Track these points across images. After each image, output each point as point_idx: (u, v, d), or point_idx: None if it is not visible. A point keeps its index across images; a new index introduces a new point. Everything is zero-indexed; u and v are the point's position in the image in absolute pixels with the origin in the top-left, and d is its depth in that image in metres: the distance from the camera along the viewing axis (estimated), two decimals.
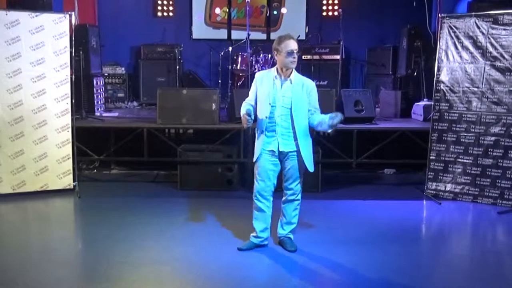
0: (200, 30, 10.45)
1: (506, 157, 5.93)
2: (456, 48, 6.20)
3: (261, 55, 8.99)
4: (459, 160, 6.22)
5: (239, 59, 8.94)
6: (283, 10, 10.44)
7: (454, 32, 6.19)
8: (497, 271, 4.41)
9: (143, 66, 9.54)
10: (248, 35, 8.38)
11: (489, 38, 5.99)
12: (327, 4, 10.43)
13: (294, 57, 4.29)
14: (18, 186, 6.17)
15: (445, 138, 6.30)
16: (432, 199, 6.21)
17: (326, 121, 4.21)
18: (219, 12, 10.39)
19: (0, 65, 5.97)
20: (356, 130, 6.68)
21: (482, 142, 6.07)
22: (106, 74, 9.20)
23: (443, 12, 6.85)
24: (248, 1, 8.34)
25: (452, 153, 6.26)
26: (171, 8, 10.37)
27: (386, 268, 4.29)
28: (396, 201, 6.26)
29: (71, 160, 6.35)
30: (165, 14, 10.39)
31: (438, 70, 6.34)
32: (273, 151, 4.39)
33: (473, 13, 6.24)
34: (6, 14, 5.98)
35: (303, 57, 9.20)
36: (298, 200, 4.53)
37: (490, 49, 5.98)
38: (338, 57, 8.95)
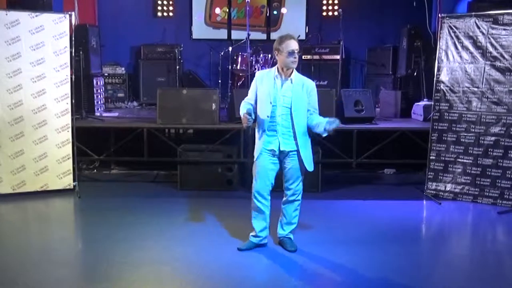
0: (200, 30, 10.45)
1: (506, 157, 5.93)
2: (456, 48, 6.20)
3: (261, 55, 8.99)
4: (459, 160, 6.22)
5: (239, 59, 8.95)
6: (283, 10, 10.44)
7: (454, 32, 6.19)
8: (497, 271, 4.41)
9: (143, 66, 9.54)
10: (248, 35, 8.38)
11: (489, 38, 5.99)
12: (327, 4, 10.42)
13: (295, 57, 4.30)
14: (18, 186, 6.17)
15: (445, 138, 6.30)
16: (432, 199, 6.21)
17: (323, 124, 4.24)
18: (219, 12, 10.39)
19: (0, 65, 5.97)
20: (356, 130, 6.68)
21: (482, 142, 6.07)
22: (106, 74, 9.20)
23: (443, 12, 6.85)
24: (248, 1, 8.34)
25: (452, 153, 6.26)
26: (171, 8, 10.37)
27: (386, 268, 4.29)
28: (396, 201, 6.26)
29: (71, 160, 6.35)
30: (165, 14, 10.39)
31: (438, 70, 6.34)
32: (273, 150, 4.40)
33: (473, 13, 6.24)
34: (6, 14, 5.98)
35: (303, 57, 9.21)
36: (298, 200, 4.53)
37: (490, 49, 5.98)
38: (338, 57, 8.95)
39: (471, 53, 6.11)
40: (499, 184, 5.98)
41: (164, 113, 6.70)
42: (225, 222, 5.29)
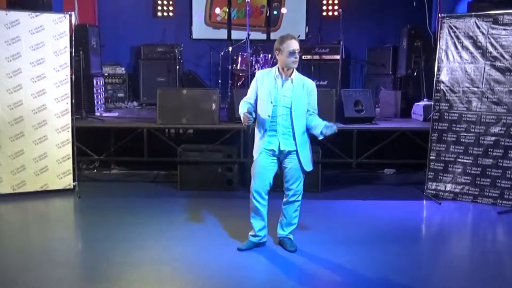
0: (200, 30, 10.46)
1: (506, 157, 5.93)
2: (456, 48, 6.20)
3: (261, 55, 8.99)
4: (459, 160, 6.22)
5: (239, 59, 8.95)
6: (283, 10, 10.44)
7: (454, 32, 6.19)
8: (497, 271, 4.41)
9: (143, 66, 9.54)
10: (248, 35, 8.38)
11: (489, 38, 5.99)
12: (327, 4, 10.43)
13: (295, 57, 4.30)
14: (18, 186, 6.17)
15: (445, 138, 6.30)
16: (432, 199, 6.21)
17: (321, 127, 4.26)
18: (219, 12, 10.39)
19: (0, 65, 5.97)
20: (356, 130, 6.68)
21: (482, 142, 6.07)
22: (106, 74, 9.21)
23: (443, 12, 6.85)
24: (248, 1, 8.34)
25: (452, 153, 6.26)
26: (171, 8, 10.38)
27: (386, 268, 4.29)
28: (396, 201, 6.26)
29: (71, 160, 6.35)
30: (165, 14, 10.39)
31: (438, 70, 6.34)
32: (273, 150, 4.40)
33: (473, 13, 6.24)
34: (6, 14, 5.98)
35: (303, 57, 9.20)
36: (298, 201, 4.54)
37: (490, 49, 5.98)
38: (338, 57, 8.95)
39: (471, 53, 6.11)
40: (499, 184, 5.98)
41: (164, 113, 6.70)
42: (225, 222, 5.29)
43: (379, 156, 6.91)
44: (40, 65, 6.13)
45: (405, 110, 7.83)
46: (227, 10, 10.35)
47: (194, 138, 7.59)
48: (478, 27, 6.04)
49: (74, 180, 6.37)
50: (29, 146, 6.16)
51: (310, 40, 9.87)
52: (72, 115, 6.35)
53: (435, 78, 6.38)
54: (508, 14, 5.88)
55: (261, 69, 8.57)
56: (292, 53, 4.27)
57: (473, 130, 6.13)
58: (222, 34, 10.41)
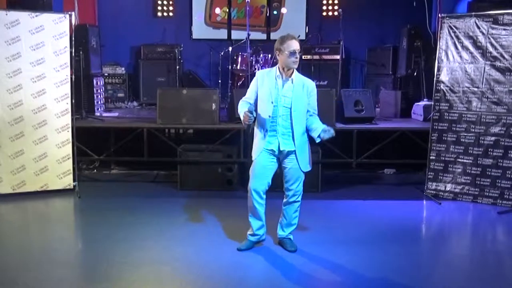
0: (200, 30, 10.46)
1: (506, 157, 5.93)
2: (456, 48, 6.20)
3: (261, 55, 8.99)
4: (459, 160, 6.22)
5: (239, 59, 8.95)
6: (283, 10, 10.44)
7: (454, 32, 6.19)
8: (497, 271, 4.41)
9: (143, 66, 9.54)
10: (248, 35, 8.38)
11: (489, 38, 5.99)
12: (327, 4, 10.43)
13: (296, 57, 4.30)
14: (18, 186, 6.17)
15: (445, 138, 6.30)
16: (432, 199, 6.21)
17: (318, 130, 4.27)
18: (219, 12, 10.39)
19: (0, 65, 5.97)
20: (356, 130, 6.68)
21: (482, 142, 6.07)
22: (106, 74, 9.20)
23: (443, 12, 6.85)
24: (248, 1, 8.34)
25: (452, 153, 6.26)
26: (171, 8, 10.38)
27: (386, 268, 4.29)
28: (396, 201, 6.26)
29: (71, 160, 6.35)
30: (165, 14, 10.39)
31: (438, 70, 6.34)
32: (273, 150, 4.40)
33: (473, 13, 6.24)
34: (6, 14, 5.98)
35: (303, 57, 9.19)
36: (298, 201, 4.54)
37: (490, 49, 5.98)
38: (338, 57, 8.95)
39: (471, 53, 6.11)
40: (499, 184, 5.98)
41: (164, 113, 6.70)
42: (225, 222, 5.29)
43: (379, 156, 6.91)
44: (40, 65, 6.13)
45: (405, 110, 7.83)
46: (227, 10, 10.35)
47: (194, 138, 7.59)
48: (478, 27, 6.04)
49: (74, 180, 6.37)
50: (29, 146, 6.16)
51: (310, 40, 9.87)
52: (72, 115, 6.35)
53: (435, 78, 6.38)
54: (508, 14, 5.88)
55: (261, 69, 8.57)
56: (292, 53, 4.27)
57: (473, 130, 6.13)
58: (222, 34, 10.41)
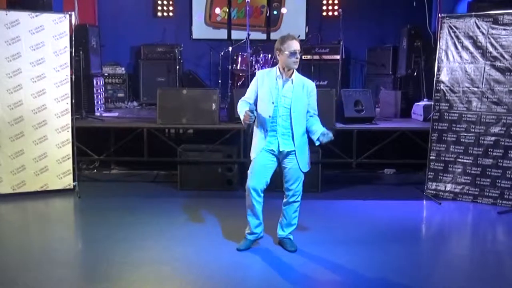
0: (200, 30, 10.46)
1: (506, 157, 5.93)
2: (456, 48, 6.20)
3: (261, 55, 8.99)
4: (459, 160, 6.22)
5: (239, 59, 8.95)
6: (283, 10, 10.45)
7: (454, 32, 6.19)
8: (497, 271, 4.41)
9: (143, 66, 9.54)
10: (248, 35, 8.38)
11: (489, 38, 5.99)
12: (327, 4, 10.43)
13: (296, 58, 4.30)
14: (18, 186, 6.17)
15: (445, 138, 6.30)
16: (432, 199, 6.21)
17: (318, 134, 4.28)
18: (219, 12, 10.39)
19: (0, 65, 5.97)
20: (356, 130, 6.68)
21: (482, 142, 6.07)
22: (106, 74, 9.21)
23: (443, 12, 6.85)
24: (248, 1, 8.33)
25: (452, 153, 6.26)
26: (171, 8, 10.38)
27: (386, 268, 4.29)
28: (396, 201, 6.26)
29: (71, 160, 6.35)
30: (165, 14, 10.40)
31: (438, 70, 6.34)
32: (273, 150, 4.40)
33: (473, 13, 6.24)
34: (6, 14, 5.98)
35: (303, 57, 9.19)
36: (298, 201, 4.54)
37: (490, 49, 5.98)
38: (338, 57, 8.95)
39: (471, 53, 6.11)
40: (499, 184, 5.98)
41: (164, 113, 6.70)
42: (225, 222, 5.29)
43: (379, 156, 6.91)
44: (40, 65, 6.13)
45: (405, 110, 7.83)
46: (227, 10, 10.35)
47: (194, 138, 7.59)
48: (478, 27, 6.04)
49: (74, 180, 6.37)
50: (29, 146, 6.16)
51: (310, 40, 9.87)
52: (72, 115, 6.35)
53: (435, 78, 6.38)
54: (508, 14, 5.88)
55: (261, 69, 8.57)
56: (293, 53, 4.27)
57: (473, 130, 6.13)
58: (222, 34, 10.41)
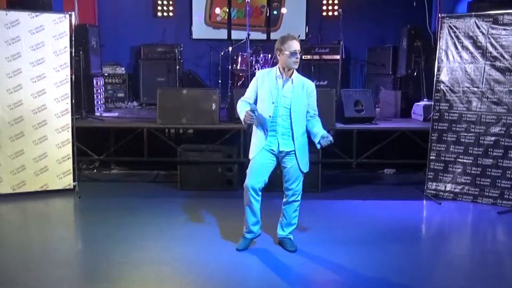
0: (200, 30, 10.46)
1: (506, 157, 5.93)
2: (456, 48, 6.20)
3: (261, 55, 8.99)
4: (459, 160, 6.22)
5: (239, 59, 8.95)
6: (283, 10, 10.45)
7: (454, 32, 6.19)
8: (497, 271, 4.41)
9: (143, 66, 9.54)
10: (248, 35, 8.38)
11: (489, 38, 5.99)
12: (327, 4, 10.44)
13: (297, 58, 4.31)
14: (18, 186, 6.17)
15: (445, 138, 6.30)
16: (432, 199, 6.21)
17: (318, 137, 4.29)
18: (219, 12, 10.39)
19: (0, 65, 5.97)
20: (356, 130, 6.68)
21: (482, 142, 6.07)
22: (106, 74, 9.21)
23: (443, 12, 6.85)
24: (248, 1, 8.33)
25: (452, 153, 6.26)
26: (171, 8, 10.38)
27: (386, 268, 4.29)
28: (396, 201, 6.26)
29: (71, 160, 6.35)
30: (165, 14, 10.40)
31: (438, 70, 6.34)
32: (272, 150, 4.41)
33: (473, 13, 6.24)
34: (6, 14, 5.98)
35: (303, 57, 9.19)
36: (298, 201, 4.54)
37: (490, 49, 5.98)
38: (338, 57, 8.95)
39: (471, 53, 6.11)
40: (499, 184, 5.98)
41: (164, 113, 6.70)
42: (225, 222, 5.29)
43: (379, 156, 6.91)
44: (40, 65, 6.13)
45: (405, 110, 7.83)
46: (227, 10, 10.35)
47: (194, 138, 7.59)
48: (478, 27, 6.04)
49: (74, 180, 6.37)
50: (29, 146, 6.16)
51: (310, 40, 9.87)
52: (72, 115, 6.35)
53: (435, 78, 6.38)
54: (508, 14, 5.88)
55: (261, 69, 8.57)
56: (293, 53, 4.28)
57: (473, 130, 6.13)
58: (222, 34, 10.41)
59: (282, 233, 4.64)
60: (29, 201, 6.07)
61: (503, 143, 5.96)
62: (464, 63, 6.17)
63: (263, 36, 10.32)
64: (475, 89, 6.11)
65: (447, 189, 6.28)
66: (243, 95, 4.52)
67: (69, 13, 6.31)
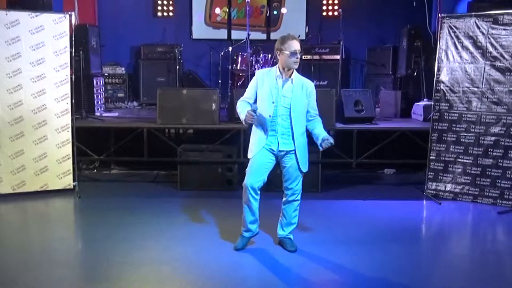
0: (200, 30, 10.46)
1: (506, 157, 5.93)
2: (456, 48, 6.20)
3: (261, 55, 8.99)
4: (459, 160, 6.22)
5: (239, 59, 8.95)
6: (283, 10, 10.45)
7: (454, 32, 6.19)
8: (497, 271, 4.41)
9: (143, 66, 9.54)
10: (248, 35, 8.38)
11: (489, 38, 5.99)
12: (327, 4, 10.44)
13: (297, 58, 4.31)
14: (18, 186, 6.17)
15: (445, 138, 6.30)
16: (432, 199, 6.21)
17: (319, 139, 4.32)
18: (219, 12, 10.39)
19: (0, 65, 5.97)
20: (356, 130, 6.68)
21: (482, 142, 6.07)
22: (106, 74, 9.21)
23: (443, 12, 6.85)
24: (248, 1, 8.34)
25: (452, 153, 6.26)
26: (171, 8, 10.38)
27: (386, 268, 4.29)
28: (396, 201, 6.26)
29: (71, 160, 6.35)
30: (165, 14, 10.40)
31: (438, 70, 6.34)
32: (272, 149, 4.41)
33: (473, 13, 6.24)
34: (6, 14, 5.98)
35: (303, 57, 9.18)
36: (298, 200, 4.54)
37: (490, 49, 5.98)
38: (338, 57, 8.95)
39: (471, 53, 6.11)
40: (499, 184, 5.98)
41: (164, 113, 6.70)
42: (225, 222, 5.29)
43: (379, 156, 6.91)
44: (40, 65, 6.13)
45: (405, 110, 7.83)
46: (227, 10, 10.35)
47: (194, 138, 7.59)
48: (478, 27, 6.04)
49: (74, 180, 6.37)
50: (29, 146, 6.16)
51: (310, 40, 9.87)
52: (72, 115, 6.35)
53: (435, 78, 6.38)
54: (508, 14, 5.88)
55: (261, 69, 8.56)
56: (293, 53, 4.28)
57: (473, 130, 6.13)
58: (222, 34, 10.41)
59: (282, 233, 4.64)
60: (29, 201, 6.07)
61: (503, 143, 5.95)
62: (464, 63, 6.17)
63: (263, 36, 10.32)
64: (475, 89, 6.11)
65: (447, 189, 6.28)
66: (243, 95, 4.52)
67: (69, 13, 6.31)
